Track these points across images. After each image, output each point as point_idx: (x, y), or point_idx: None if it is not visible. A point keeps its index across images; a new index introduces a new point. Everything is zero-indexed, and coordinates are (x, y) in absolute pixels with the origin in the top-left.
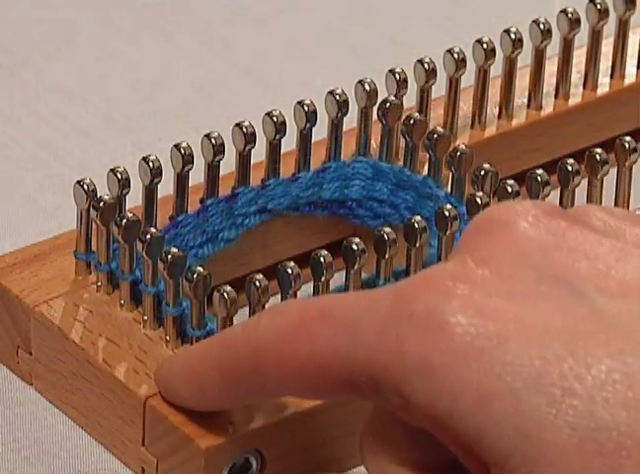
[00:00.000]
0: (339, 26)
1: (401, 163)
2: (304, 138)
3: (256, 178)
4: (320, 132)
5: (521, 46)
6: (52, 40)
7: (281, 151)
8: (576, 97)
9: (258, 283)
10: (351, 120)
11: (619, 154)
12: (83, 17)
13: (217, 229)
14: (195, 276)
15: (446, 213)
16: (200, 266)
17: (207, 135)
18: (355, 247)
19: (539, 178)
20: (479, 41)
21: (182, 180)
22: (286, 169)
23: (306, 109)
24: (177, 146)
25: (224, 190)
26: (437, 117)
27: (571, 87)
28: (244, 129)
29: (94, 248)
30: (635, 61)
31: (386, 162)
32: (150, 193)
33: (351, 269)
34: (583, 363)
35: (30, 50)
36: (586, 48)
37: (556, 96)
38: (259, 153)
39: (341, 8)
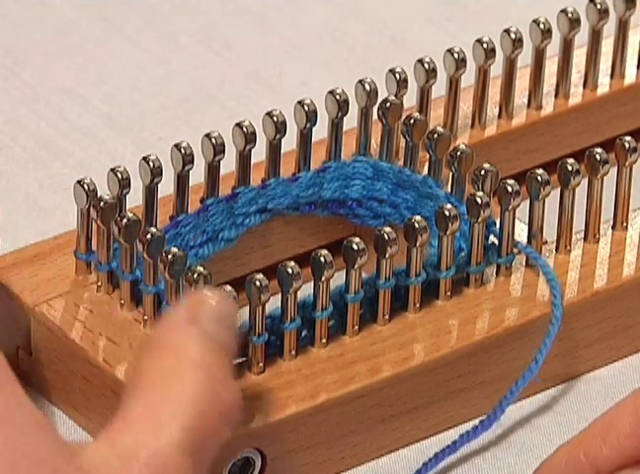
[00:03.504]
0: (339, 26)
1: (401, 163)
2: (304, 138)
3: (256, 178)
4: (320, 132)
5: (521, 46)
6: (52, 40)
7: (281, 151)
8: (576, 97)
9: (258, 283)
10: (351, 120)
11: (619, 154)
12: (83, 17)
13: (218, 229)
14: (195, 275)
15: (447, 213)
16: (201, 265)
17: (207, 135)
18: (355, 247)
19: (539, 178)
20: (479, 41)
21: (182, 180)
22: (286, 169)
23: (306, 109)
24: (177, 146)
25: (224, 189)
26: (437, 117)
27: (571, 87)
28: (244, 129)
29: (94, 248)
30: (635, 61)
31: (386, 162)
32: (150, 192)
33: (351, 268)
34: None
35: (30, 50)
36: (586, 48)
37: (556, 96)
38: (259, 153)
39: (341, 8)
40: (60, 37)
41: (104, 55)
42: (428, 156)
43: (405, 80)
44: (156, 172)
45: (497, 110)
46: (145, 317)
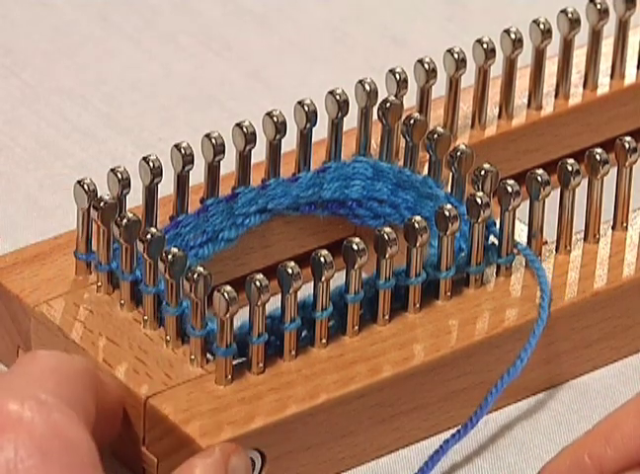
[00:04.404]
0: (339, 26)
1: (401, 163)
2: (304, 138)
3: (256, 178)
4: (320, 132)
5: (521, 46)
6: (52, 40)
7: (281, 151)
8: (576, 97)
9: (258, 283)
10: (351, 121)
11: (619, 154)
12: (83, 17)
13: (218, 229)
14: (195, 275)
15: (447, 213)
16: (201, 266)
17: (207, 135)
18: (355, 247)
19: (539, 178)
20: (479, 41)
21: (182, 180)
22: (286, 169)
23: (306, 109)
24: (177, 146)
25: (224, 190)
26: (437, 117)
27: (571, 87)
28: (244, 129)
29: (94, 248)
30: (635, 61)
31: (386, 162)
32: (150, 193)
33: (351, 268)
34: None
35: (30, 50)
36: (586, 48)
37: (556, 96)
38: (259, 153)
39: (341, 8)
40: (60, 37)
41: (104, 55)
42: (428, 156)
43: (405, 80)
44: (156, 172)
45: (497, 110)
46: (145, 317)
